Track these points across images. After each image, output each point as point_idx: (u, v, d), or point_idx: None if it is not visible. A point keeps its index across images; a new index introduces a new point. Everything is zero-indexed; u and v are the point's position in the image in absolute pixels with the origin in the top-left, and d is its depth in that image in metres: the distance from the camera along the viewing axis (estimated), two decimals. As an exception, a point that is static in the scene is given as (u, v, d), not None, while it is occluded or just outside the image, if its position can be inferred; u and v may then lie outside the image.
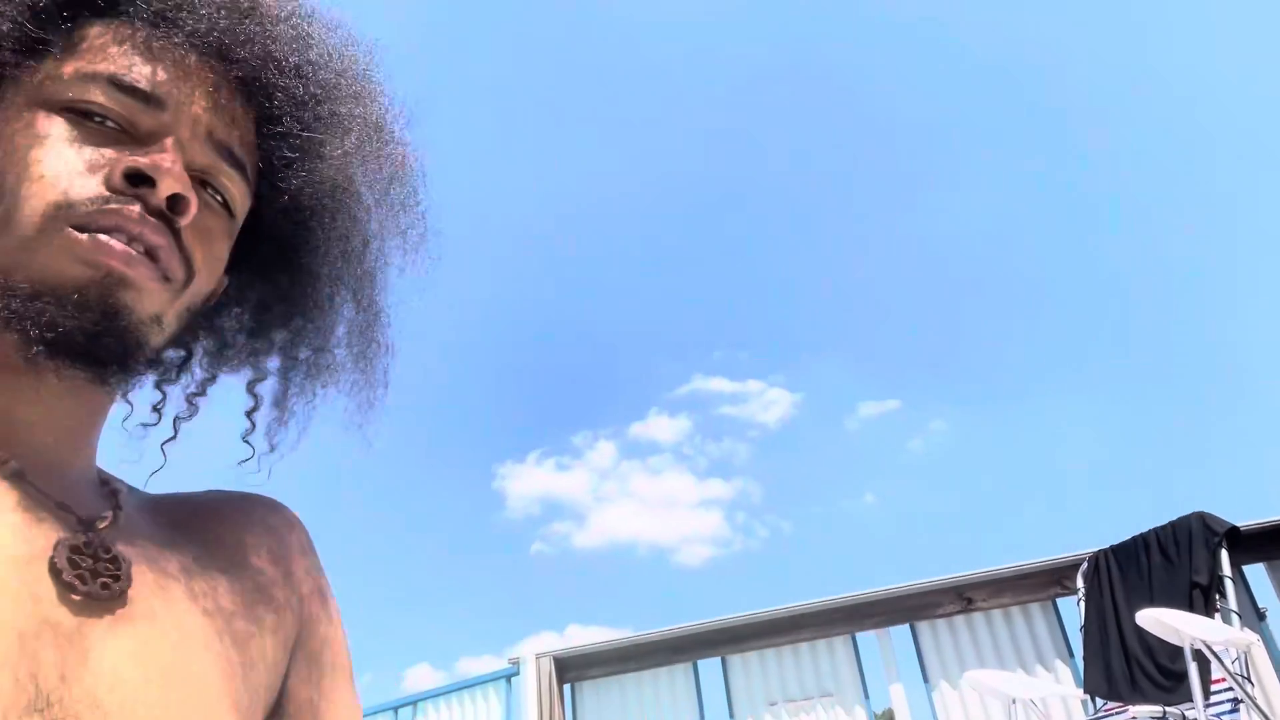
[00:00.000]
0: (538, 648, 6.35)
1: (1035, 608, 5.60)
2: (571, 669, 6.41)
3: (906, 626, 5.82)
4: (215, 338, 0.82)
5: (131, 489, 0.71)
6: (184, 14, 0.64)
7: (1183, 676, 3.87)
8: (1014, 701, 4.28)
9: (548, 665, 6.26)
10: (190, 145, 0.64)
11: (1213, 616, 4.05)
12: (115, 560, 0.57)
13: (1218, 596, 4.14)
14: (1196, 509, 4.51)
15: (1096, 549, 4.96)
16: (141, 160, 0.59)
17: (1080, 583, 4.92)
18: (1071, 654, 5.38)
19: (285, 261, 0.78)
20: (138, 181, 0.59)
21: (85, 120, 0.60)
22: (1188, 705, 3.70)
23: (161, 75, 0.63)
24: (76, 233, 0.56)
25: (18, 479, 0.57)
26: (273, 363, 0.83)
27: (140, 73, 0.62)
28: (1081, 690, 4.65)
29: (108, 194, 0.58)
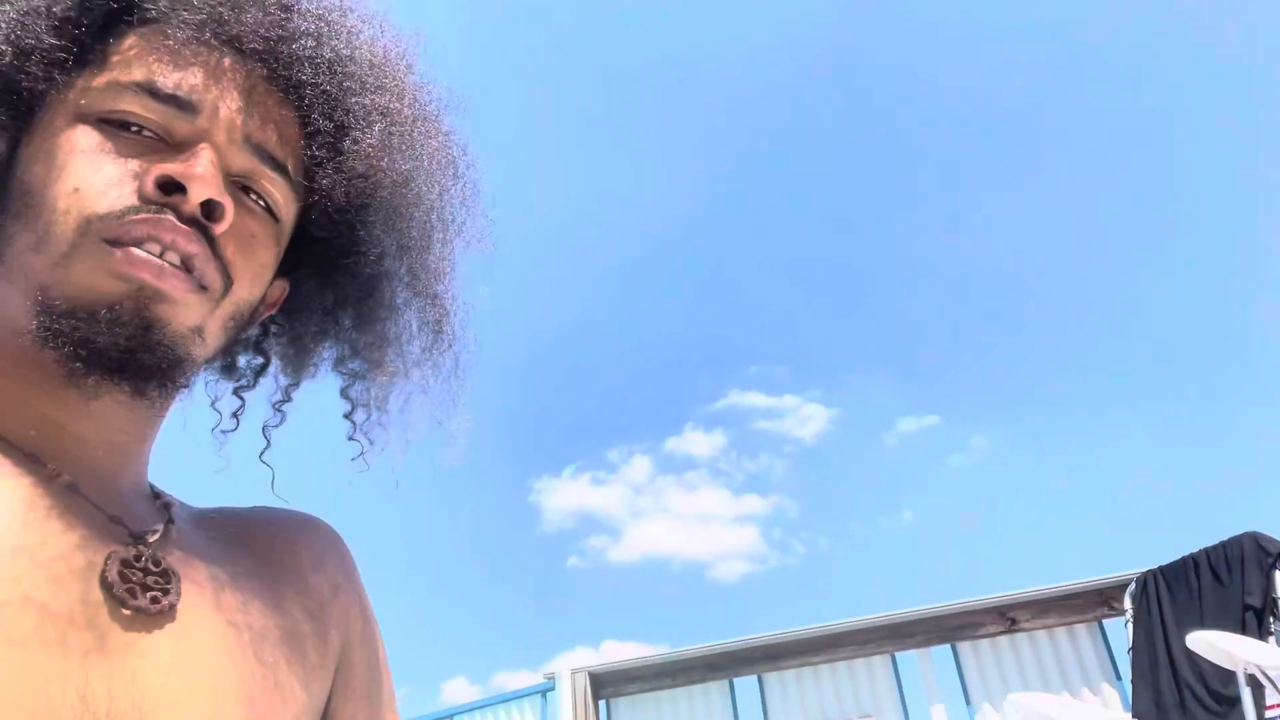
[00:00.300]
0: (573, 663, 6.34)
1: (1081, 629, 5.48)
2: (607, 685, 6.39)
3: (948, 647, 5.73)
4: (293, 343, 0.81)
5: (182, 503, 0.71)
6: (216, 17, 0.63)
7: (1235, 702, 3.75)
8: (1059, 725, 4.18)
9: (583, 681, 6.25)
10: (228, 150, 0.62)
11: (1266, 640, 3.93)
12: (165, 574, 0.57)
13: (1271, 619, 4.02)
14: (1249, 529, 4.39)
15: (1144, 569, 4.84)
16: (172, 167, 0.58)
17: (1128, 604, 4.81)
18: (1119, 677, 5.25)
19: (343, 262, 0.75)
20: (170, 190, 0.58)
21: (121, 131, 0.60)
22: (1241, 732, 3.59)
23: (195, 80, 0.62)
24: (109, 246, 0.56)
25: (71, 491, 0.57)
26: (356, 365, 0.81)
27: (173, 79, 0.61)
28: (1130, 715, 4.53)
29: (139, 204, 0.57)
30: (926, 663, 5.76)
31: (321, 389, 0.83)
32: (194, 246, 0.59)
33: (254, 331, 0.79)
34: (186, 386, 0.68)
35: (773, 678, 6.13)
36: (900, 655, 5.88)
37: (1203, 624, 4.04)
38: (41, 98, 0.61)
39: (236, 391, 0.80)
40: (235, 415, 0.80)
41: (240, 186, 0.64)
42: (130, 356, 0.57)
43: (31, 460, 0.57)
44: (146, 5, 0.63)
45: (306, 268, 0.76)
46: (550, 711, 6.52)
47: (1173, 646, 4.39)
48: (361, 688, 0.75)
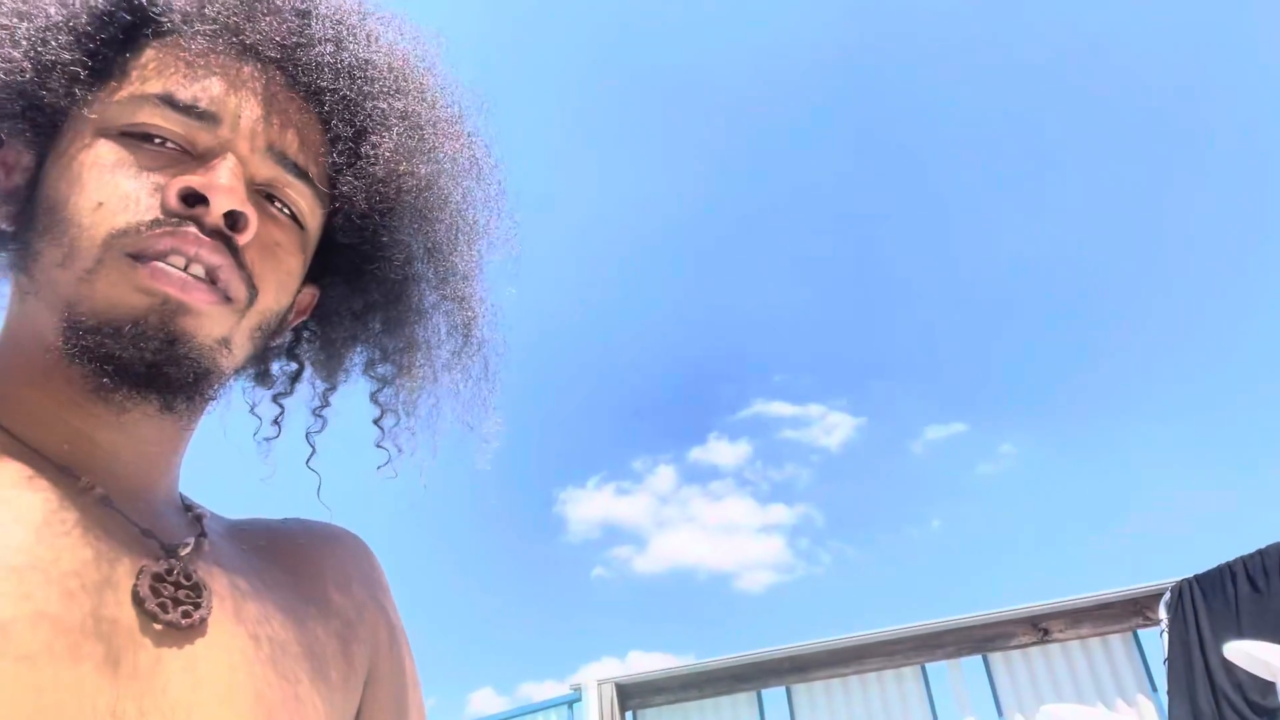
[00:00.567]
0: (599, 673, 6.33)
1: (1115, 639, 5.38)
2: (634, 696, 6.36)
3: (979, 658, 5.65)
4: (326, 350, 0.81)
5: (214, 514, 0.72)
6: (232, 26, 0.63)
7: (1275, 713, 3.67)
8: (1094, 737, 4.11)
9: (609, 692, 6.23)
10: (251, 159, 0.62)
11: (1308, 650, 3.84)
12: (196, 588, 0.57)
13: (1313, 629, 3.93)
14: (1287, 536, 4.30)
15: (1180, 578, 4.76)
16: (194, 179, 0.58)
17: (1163, 613, 4.72)
18: (1154, 688, 5.15)
19: (369, 267, 0.75)
20: (193, 201, 0.58)
21: (144, 143, 0.59)
22: (1283, 745, 3.51)
23: (215, 90, 0.61)
24: (133, 261, 0.56)
25: (104, 504, 0.58)
26: (386, 369, 0.81)
27: (193, 90, 0.61)
28: (1166, 727, 4.44)
29: (162, 218, 0.57)
30: (957, 674, 5.69)
31: (356, 397, 0.83)
32: (218, 258, 0.59)
33: (287, 338, 0.79)
34: (215, 398, 0.67)
35: (801, 689, 6.08)
36: (930, 666, 5.81)
37: (1240, 633, 3.96)
38: (64, 113, 0.62)
39: (275, 399, 0.81)
40: (276, 422, 0.80)
41: (264, 195, 0.64)
42: (157, 370, 0.57)
43: (65, 473, 0.57)
44: (163, 18, 0.63)
45: (336, 273, 0.76)
46: (577, 723, 6.51)
47: (1210, 657, 4.30)
48: (390, 703, 0.75)
